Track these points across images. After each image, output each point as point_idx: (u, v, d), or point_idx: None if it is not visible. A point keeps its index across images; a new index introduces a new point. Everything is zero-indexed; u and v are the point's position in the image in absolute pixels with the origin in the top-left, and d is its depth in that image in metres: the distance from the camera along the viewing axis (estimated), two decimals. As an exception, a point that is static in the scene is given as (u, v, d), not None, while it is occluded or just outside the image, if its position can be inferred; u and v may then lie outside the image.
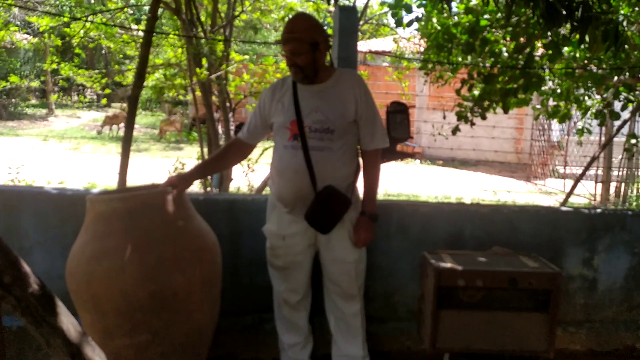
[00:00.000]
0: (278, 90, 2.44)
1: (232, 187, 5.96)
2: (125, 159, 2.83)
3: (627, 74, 3.80)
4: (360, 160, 2.51)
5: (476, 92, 4.14)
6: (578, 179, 4.66)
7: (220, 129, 5.58)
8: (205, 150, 5.74)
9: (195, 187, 5.74)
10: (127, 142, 2.81)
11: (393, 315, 2.91)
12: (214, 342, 2.48)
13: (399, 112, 2.83)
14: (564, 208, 3.11)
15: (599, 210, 3.05)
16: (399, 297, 2.90)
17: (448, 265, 2.39)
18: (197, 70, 4.50)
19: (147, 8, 6.25)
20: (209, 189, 5.69)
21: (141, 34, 5.14)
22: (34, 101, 23.99)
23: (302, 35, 2.27)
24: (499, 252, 2.66)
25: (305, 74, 2.32)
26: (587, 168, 4.80)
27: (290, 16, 2.40)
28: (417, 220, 2.89)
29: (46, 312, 1.40)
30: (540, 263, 2.47)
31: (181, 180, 2.35)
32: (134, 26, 6.03)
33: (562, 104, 4.60)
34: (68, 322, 1.45)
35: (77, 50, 5.95)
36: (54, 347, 1.42)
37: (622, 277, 3.02)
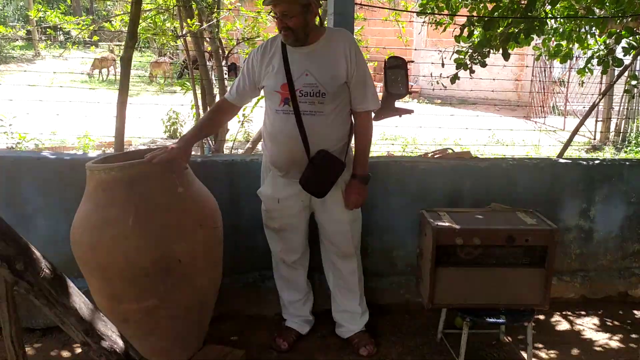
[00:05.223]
0: (267, 52, 2.36)
1: (228, 135, 5.88)
2: (122, 122, 2.78)
3: (630, 18, 3.69)
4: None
5: (475, 37, 4.03)
6: (576, 130, 4.62)
7: (213, 77, 5.46)
8: (199, 97, 5.64)
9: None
10: (122, 104, 2.75)
11: (392, 270, 2.98)
12: (217, 300, 2.54)
13: (397, 67, 2.76)
14: (562, 160, 3.12)
15: (597, 162, 3.06)
16: (397, 252, 2.96)
17: (446, 224, 2.42)
18: (189, 21, 4.34)
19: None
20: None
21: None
22: (20, 42, 23.33)
23: None
24: (497, 208, 2.68)
25: (297, 37, 2.24)
26: (585, 117, 4.76)
27: None
28: (416, 176, 2.91)
29: (59, 294, 1.46)
30: (537, 219, 2.50)
31: (181, 152, 2.24)
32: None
33: (563, 43, 4.50)
34: (80, 302, 1.51)
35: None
36: (68, 325, 1.49)
37: (617, 226, 3.08)
